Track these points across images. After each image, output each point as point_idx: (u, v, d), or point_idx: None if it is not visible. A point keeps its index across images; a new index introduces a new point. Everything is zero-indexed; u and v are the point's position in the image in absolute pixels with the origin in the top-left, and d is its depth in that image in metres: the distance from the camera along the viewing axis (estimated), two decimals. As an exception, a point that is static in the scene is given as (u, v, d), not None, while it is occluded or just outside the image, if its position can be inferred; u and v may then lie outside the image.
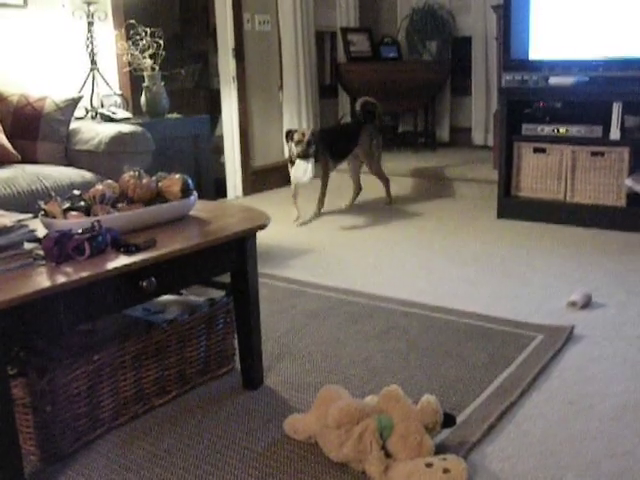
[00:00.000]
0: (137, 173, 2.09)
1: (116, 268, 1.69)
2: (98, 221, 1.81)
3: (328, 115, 6.08)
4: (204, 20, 6.51)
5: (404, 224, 4.25)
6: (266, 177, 5.46)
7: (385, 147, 6.06)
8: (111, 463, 1.80)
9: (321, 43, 6.03)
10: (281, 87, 5.54)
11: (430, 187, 5.08)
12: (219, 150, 5.26)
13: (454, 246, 3.75)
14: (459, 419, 1.92)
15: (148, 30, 3.77)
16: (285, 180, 5.61)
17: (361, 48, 5.99)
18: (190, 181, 2.13)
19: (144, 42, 3.76)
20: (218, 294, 2.29)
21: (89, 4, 3.78)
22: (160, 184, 2.12)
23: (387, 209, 4.68)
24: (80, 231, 1.76)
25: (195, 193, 2.15)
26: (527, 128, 4.26)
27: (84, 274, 1.64)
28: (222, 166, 5.26)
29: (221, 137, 5.27)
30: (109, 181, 2.12)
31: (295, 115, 5.57)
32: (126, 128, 3.34)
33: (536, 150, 4.24)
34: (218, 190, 4.78)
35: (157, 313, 2.20)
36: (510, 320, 2.66)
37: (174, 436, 1.93)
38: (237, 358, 2.25)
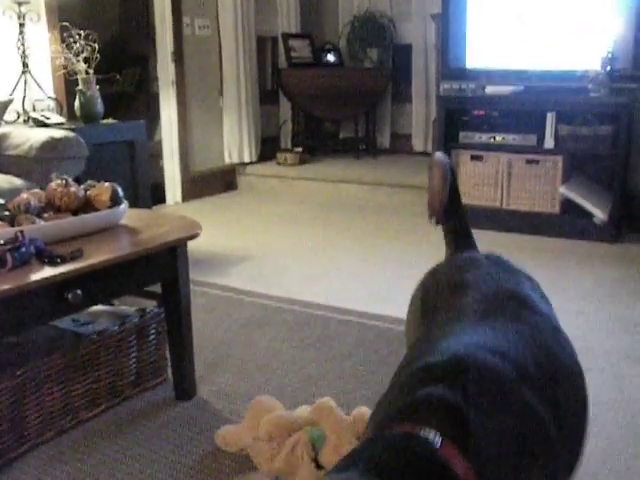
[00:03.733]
0: (64, 181, 2.04)
1: (39, 280, 1.65)
2: (21, 231, 1.76)
3: (269, 121, 6.06)
4: (144, 22, 6.41)
5: (343, 231, 4.26)
6: (206, 183, 5.41)
7: (326, 153, 6.11)
8: (35, 481, 1.75)
9: (262, 48, 6.00)
10: (221, 92, 5.50)
11: (370, 193, 5.11)
12: (159, 155, 5.18)
13: (394, 253, 3.77)
14: (392, 428, 1.92)
15: (82, 33, 3.68)
16: (225, 186, 5.59)
17: (302, 54, 5.99)
18: (120, 190, 2.08)
19: (78, 45, 3.66)
20: (150, 304, 2.25)
21: (20, 4, 3.67)
22: (89, 193, 2.07)
23: (326, 215, 4.68)
24: (2, 242, 1.71)
25: (125, 202, 2.10)
26: (464, 136, 4.32)
27: (5, 287, 1.58)
28: (161, 171, 5.19)
29: (160, 142, 5.19)
30: (35, 189, 2.06)
31: (235, 120, 5.53)
32: (58, 133, 3.25)
33: (473, 158, 4.30)
34: (157, 196, 4.71)
35: (86, 324, 2.15)
36: (445, 327, 2.68)
37: (103, 451, 1.88)
38: (170, 369, 2.22)
